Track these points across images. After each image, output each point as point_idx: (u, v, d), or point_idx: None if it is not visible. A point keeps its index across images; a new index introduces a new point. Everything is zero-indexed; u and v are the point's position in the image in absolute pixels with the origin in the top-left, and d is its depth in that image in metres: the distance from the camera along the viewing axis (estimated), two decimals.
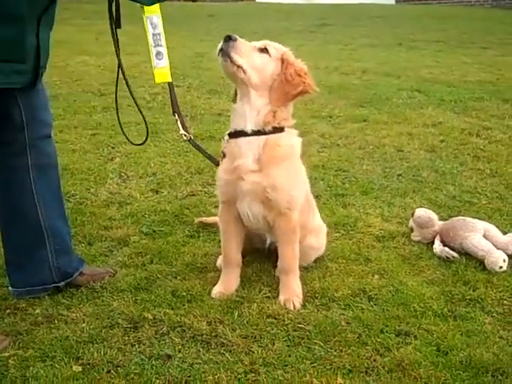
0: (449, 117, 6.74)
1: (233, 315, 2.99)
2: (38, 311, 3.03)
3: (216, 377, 2.58)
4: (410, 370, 2.62)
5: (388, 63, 9.99)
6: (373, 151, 5.64)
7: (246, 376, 2.59)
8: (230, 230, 3.24)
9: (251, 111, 3.02)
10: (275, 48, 3.05)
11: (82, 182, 4.63)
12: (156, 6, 3.03)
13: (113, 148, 5.37)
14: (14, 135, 2.90)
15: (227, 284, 3.23)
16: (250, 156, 3.03)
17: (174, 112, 3.20)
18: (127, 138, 3.32)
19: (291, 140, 3.14)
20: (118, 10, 3.00)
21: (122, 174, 4.86)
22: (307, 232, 3.39)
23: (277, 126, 3.05)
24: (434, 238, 3.75)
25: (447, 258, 3.58)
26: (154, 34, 3.04)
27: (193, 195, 4.51)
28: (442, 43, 12.60)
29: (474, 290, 3.26)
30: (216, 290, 3.19)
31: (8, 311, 2.94)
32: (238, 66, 2.95)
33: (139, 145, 3.43)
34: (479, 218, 3.92)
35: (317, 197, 4.47)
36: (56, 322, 2.94)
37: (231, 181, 3.08)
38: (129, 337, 2.82)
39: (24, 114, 2.86)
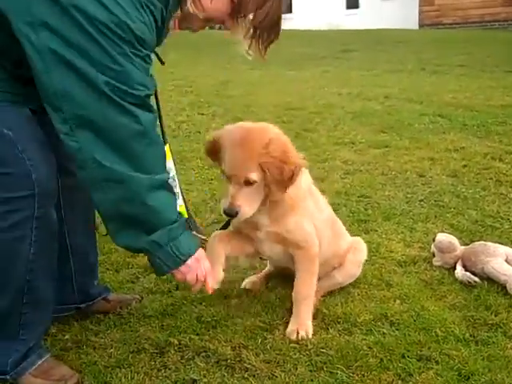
0: (471, 141, 6.77)
1: (256, 340, 3.05)
2: (67, 337, 3.12)
3: None
4: None
5: (411, 88, 10.07)
6: (395, 177, 5.69)
7: None
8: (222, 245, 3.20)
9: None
10: (254, 167, 2.85)
11: None
12: (167, 150, 3.06)
13: None
14: None
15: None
16: (261, 216, 3.08)
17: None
18: None
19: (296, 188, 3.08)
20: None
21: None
22: (342, 256, 3.54)
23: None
24: (456, 263, 3.78)
25: (469, 282, 3.61)
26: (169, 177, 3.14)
27: (217, 222, 4.58)
28: (465, 67, 12.65)
29: (496, 315, 3.28)
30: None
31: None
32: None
33: None
34: (501, 243, 3.95)
35: None
36: (85, 347, 3.03)
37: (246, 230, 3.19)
38: (155, 362, 2.89)
39: None
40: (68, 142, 2.46)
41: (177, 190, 3.09)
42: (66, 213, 3.01)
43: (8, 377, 2.71)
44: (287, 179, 2.90)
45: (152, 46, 2.59)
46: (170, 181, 3.03)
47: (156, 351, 2.98)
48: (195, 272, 2.78)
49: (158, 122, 3.06)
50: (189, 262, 2.73)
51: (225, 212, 2.91)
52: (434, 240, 3.93)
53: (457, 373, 2.81)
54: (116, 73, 2.39)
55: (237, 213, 2.89)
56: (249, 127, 2.98)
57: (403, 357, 2.93)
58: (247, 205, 2.90)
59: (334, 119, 7.99)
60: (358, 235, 4.29)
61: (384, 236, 4.35)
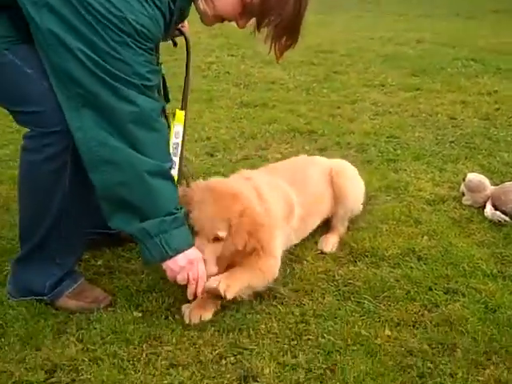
0: (505, 85, 6.66)
1: (285, 271, 3.09)
2: (100, 263, 3.20)
3: (268, 326, 2.70)
4: (458, 325, 2.69)
5: (444, 33, 9.88)
6: (425, 119, 5.64)
7: (296, 326, 2.70)
8: None
9: None
10: (222, 225, 2.78)
11: None
12: (181, 116, 3.06)
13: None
14: None
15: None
16: None
17: None
18: None
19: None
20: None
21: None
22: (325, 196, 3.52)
23: None
24: (485, 203, 3.77)
25: (498, 221, 3.61)
26: (174, 143, 3.05)
27: (246, 159, 4.61)
28: (499, 13, 12.35)
29: None
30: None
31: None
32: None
33: None
34: None
35: (368, 162, 4.56)
36: (117, 272, 3.11)
37: None
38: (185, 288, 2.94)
39: None
40: (70, 120, 2.50)
41: (175, 159, 3.05)
42: None
43: (46, 298, 2.80)
44: (246, 254, 2.82)
45: (157, 38, 2.61)
46: (175, 147, 3.05)
47: None
48: (186, 272, 2.69)
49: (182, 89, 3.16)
50: (178, 258, 2.67)
51: None
52: (464, 179, 3.91)
53: (483, 306, 2.83)
54: (114, 60, 2.43)
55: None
56: (223, 189, 2.88)
57: (430, 289, 2.96)
58: (213, 262, 2.79)
59: (364, 62, 7.89)
60: (387, 174, 4.32)
61: (413, 175, 4.33)
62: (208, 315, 2.75)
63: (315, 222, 3.45)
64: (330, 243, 3.37)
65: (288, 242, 3.20)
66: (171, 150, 3.01)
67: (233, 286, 2.73)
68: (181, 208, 2.71)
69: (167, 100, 3.11)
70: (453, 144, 4.97)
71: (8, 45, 2.53)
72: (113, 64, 2.43)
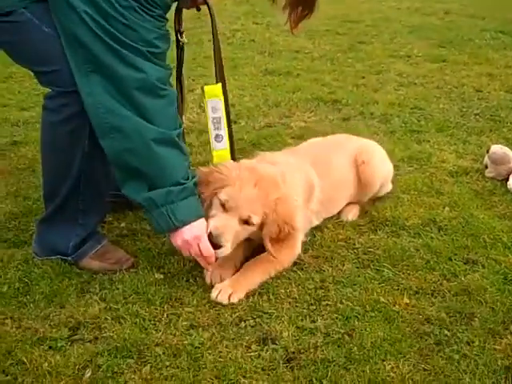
0: None
1: (306, 238, 3.11)
2: (123, 225, 3.25)
3: (288, 291, 2.73)
4: (476, 294, 2.70)
5: (472, 4, 9.71)
6: (450, 91, 5.59)
7: (316, 291, 2.73)
8: None
9: None
10: (258, 211, 2.74)
11: None
12: (218, 90, 3.01)
13: (193, 80, 5.48)
14: None
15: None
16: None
17: None
18: None
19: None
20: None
21: (202, 105, 4.98)
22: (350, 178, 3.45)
23: None
24: (509, 175, 3.75)
25: None
26: (213, 118, 3.01)
27: (270, 126, 4.62)
28: None
29: None
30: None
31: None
32: None
33: None
34: None
35: (391, 132, 4.55)
36: (139, 235, 3.16)
37: None
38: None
39: None
40: (80, 85, 2.52)
41: (221, 131, 3.05)
42: None
43: (70, 258, 2.86)
44: (282, 239, 2.80)
45: (166, 4, 2.60)
46: (216, 121, 3.04)
47: None
48: (187, 249, 2.71)
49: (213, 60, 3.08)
50: (184, 230, 2.67)
51: (210, 235, 2.69)
52: (487, 151, 3.89)
53: (502, 277, 2.84)
54: (120, 25, 2.45)
55: (219, 246, 2.70)
56: (263, 174, 2.83)
57: (450, 259, 2.97)
58: (231, 244, 2.73)
59: (390, 33, 7.81)
60: (410, 145, 4.31)
61: (436, 147, 4.31)
62: (228, 275, 2.78)
63: (337, 206, 3.38)
64: (351, 212, 3.38)
65: (308, 224, 3.16)
66: (211, 126, 3.02)
67: (239, 291, 2.69)
68: (193, 177, 2.72)
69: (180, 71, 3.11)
70: (478, 116, 4.93)
71: (25, 3, 2.55)
72: (119, 29, 2.45)
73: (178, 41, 3.01)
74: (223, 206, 2.74)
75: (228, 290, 2.67)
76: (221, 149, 3.04)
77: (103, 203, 2.97)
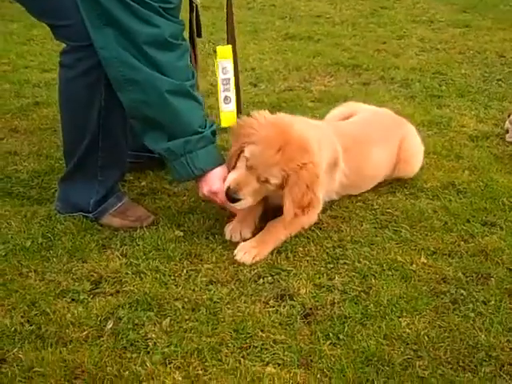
0: None
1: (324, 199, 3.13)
2: (143, 184, 3.29)
3: (306, 249, 2.76)
4: (493, 255, 2.72)
5: None
6: (473, 56, 5.53)
7: (334, 250, 2.76)
8: None
9: None
10: (278, 173, 2.70)
11: None
12: (228, 51, 3.00)
13: (213, 44, 5.47)
14: None
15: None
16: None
17: None
18: None
19: None
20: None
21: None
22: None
23: None
24: None
25: None
26: (223, 79, 3.01)
27: (290, 90, 4.62)
28: None
29: None
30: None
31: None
32: None
33: None
34: None
35: (412, 97, 4.53)
36: (160, 194, 3.20)
37: None
38: (225, 210, 3.01)
39: None
40: (95, 39, 2.54)
41: (230, 93, 3.05)
42: None
43: (91, 215, 2.90)
44: (303, 206, 2.75)
45: None
46: (226, 82, 3.04)
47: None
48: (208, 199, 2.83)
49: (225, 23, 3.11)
50: (202, 184, 2.76)
51: (228, 189, 2.72)
52: (508, 116, 3.87)
53: None
54: None
55: (237, 200, 2.72)
56: (293, 136, 2.75)
57: (468, 221, 2.98)
58: (250, 198, 2.74)
59: None
60: (430, 110, 4.29)
61: (457, 111, 4.29)
62: (248, 232, 2.83)
63: (364, 186, 3.29)
64: None
65: (327, 196, 3.10)
66: (221, 87, 3.03)
67: (262, 252, 2.72)
68: (210, 126, 2.75)
69: (199, 35, 3.13)
70: (500, 82, 4.89)
71: None
72: None
73: (191, 2, 3.02)
74: (247, 165, 2.75)
75: (253, 251, 2.70)
76: (228, 110, 3.06)
77: (122, 160, 3.00)
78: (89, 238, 2.79)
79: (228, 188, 2.71)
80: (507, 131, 3.89)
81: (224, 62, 3.04)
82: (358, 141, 3.18)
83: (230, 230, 2.82)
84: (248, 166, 2.73)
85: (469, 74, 5.06)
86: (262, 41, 5.85)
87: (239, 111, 3.12)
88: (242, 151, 2.77)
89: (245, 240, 2.79)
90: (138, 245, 2.75)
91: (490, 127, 4.04)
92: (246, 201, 2.74)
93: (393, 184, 3.31)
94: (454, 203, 3.13)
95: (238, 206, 2.75)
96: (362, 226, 2.95)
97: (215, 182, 2.76)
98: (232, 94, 3.06)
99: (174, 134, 2.68)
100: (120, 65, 2.56)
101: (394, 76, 4.99)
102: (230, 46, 3.04)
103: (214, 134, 2.78)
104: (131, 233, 2.83)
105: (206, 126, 2.74)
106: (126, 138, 2.92)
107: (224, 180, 2.76)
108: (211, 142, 2.75)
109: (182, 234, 2.84)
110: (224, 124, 3.06)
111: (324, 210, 3.03)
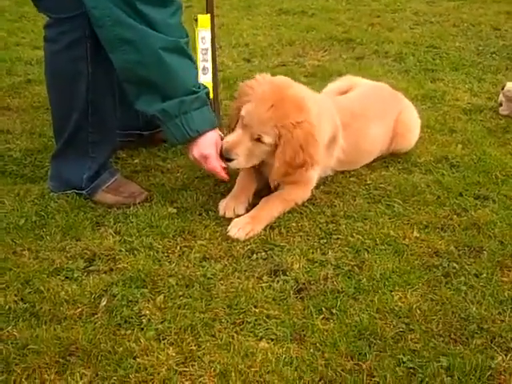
0: None
1: None
2: (136, 161, 3.29)
3: (299, 224, 2.77)
4: (486, 229, 2.73)
5: None
6: (467, 29, 5.52)
7: (327, 225, 2.76)
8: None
9: None
10: (271, 131, 2.70)
11: None
12: (207, 21, 2.97)
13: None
14: None
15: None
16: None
17: None
18: None
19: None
20: None
21: (216, 44, 4.97)
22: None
23: None
24: None
25: None
26: (202, 49, 2.99)
27: (283, 65, 4.60)
28: None
29: None
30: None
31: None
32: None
33: None
34: None
35: (405, 71, 4.51)
36: (153, 171, 3.20)
37: None
38: (219, 187, 3.03)
39: None
40: None
41: (207, 64, 3.03)
42: None
43: (84, 192, 2.90)
44: (295, 166, 2.73)
45: None
46: (204, 52, 3.01)
47: None
48: (199, 164, 2.80)
49: None
50: (193, 148, 2.72)
51: (221, 149, 2.74)
52: (502, 88, 3.85)
53: None
54: None
55: (231, 160, 2.73)
56: (288, 94, 2.75)
57: (460, 195, 2.99)
58: (244, 158, 2.74)
59: None
60: (424, 83, 4.28)
61: (451, 85, 4.29)
62: (241, 208, 2.83)
63: (360, 161, 3.29)
64: None
65: (323, 172, 3.12)
66: (200, 56, 3.01)
67: (256, 228, 2.72)
68: (204, 87, 2.73)
69: None
70: (494, 55, 4.88)
71: None
72: None
73: None
74: (242, 124, 2.76)
75: (247, 227, 2.70)
76: (206, 81, 3.04)
77: (112, 135, 2.99)
78: (82, 215, 2.79)
79: (221, 148, 2.72)
80: (500, 104, 3.88)
81: (203, 31, 3.02)
82: (357, 116, 3.17)
83: (224, 207, 2.83)
84: (243, 125, 2.73)
85: (463, 48, 5.05)
86: (255, 16, 5.82)
87: (214, 82, 3.09)
88: (239, 111, 2.77)
89: (238, 216, 2.79)
90: (132, 222, 2.76)
91: (483, 101, 4.04)
92: (239, 161, 2.75)
93: (386, 159, 3.32)
94: (447, 177, 3.14)
95: (231, 165, 2.75)
96: (355, 200, 2.95)
97: (207, 146, 2.74)
98: (209, 65, 3.04)
99: (168, 95, 2.64)
100: (112, 24, 2.52)
101: (387, 50, 4.98)
102: (209, 15, 3.02)
103: (207, 95, 2.75)
104: (124, 210, 2.84)
105: (200, 87, 2.71)
106: (115, 113, 2.92)
107: (216, 145, 2.75)
108: (205, 103, 2.72)
109: (175, 210, 2.84)
110: None
111: (317, 186, 3.03)
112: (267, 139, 2.71)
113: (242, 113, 2.74)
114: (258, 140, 2.73)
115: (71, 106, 2.79)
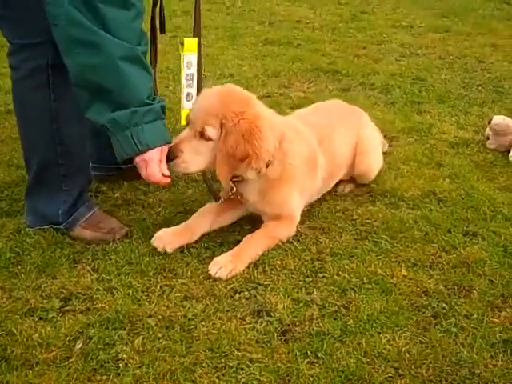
0: None
1: (303, 208, 3.06)
2: (117, 195, 3.20)
3: (284, 262, 2.68)
4: (475, 267, 2.66)
5: None
6: (453, 61, 5.51)
7: (312, 263, 2.68)
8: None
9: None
10: (214, 122, 2.63)
11: (161, 81, 4.73)
12: (194, 45, 2.90)
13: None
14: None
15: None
16: (248, 189, 2.84)
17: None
18: None
19: (283, 166, 2.82)
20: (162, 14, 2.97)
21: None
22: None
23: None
24: (511, 147, 3.68)
25: None
26: (187, 74, 2.91)
27: (268, 96, 4.54)
28: None
29: None
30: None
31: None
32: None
33: None
34: None
35: (392, 103, 4.48)
36: (134, 205, 3.11)
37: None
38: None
39: None
40: None
41: (192, 90, 2.96)
42: None
43: (61, 227, 2.80)
44: (237, 159, 2.63)
45: None
46: (189, 78, 2.95)
47: None
48: (141, 171, 2.63)
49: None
50: (146, 156, 2.56)
51: (168, 151, 2.63)
52: (489, 122, 3.81)
53: (502, 249, 2.80)
54: None
55: (175, 157, 2.62)
56: (239, 90, 2.76)
57: (449, 231, 2.92)
58: (190, 156, 2.64)
59: (392, 2, 7.70)
60: (410, 116, 4.25)
61: (437, 118, 4.25)
62: (174, 246, 2.73)
63: (335, 181, 3.26)
64: (348, 185, 3.32)
65: (310, 198, 3.07)
66: (184, 82, 2.94)
67: (239, 267, 2.62)
68: (159, 101, 2.61)
69: (163, 31, 3.01)
70: (480, 87, 4.86)
71: None
72: None
73: None
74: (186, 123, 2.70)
75: (229, 266, 2.60)
76: (189, 108, 2.95)
77: (85, 167, 2.92)
78: (59, 252, 2.69)
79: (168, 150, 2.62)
80: (488, 138, 3.84)
81: (189, 55, 2.94)
82: (326, 129, 3.14)
83: (156, 238, 2.74)
84: (189, 124, 2.68)
85: (449, 80, 5.02)
86: (240, 46, 5.79)
87: None
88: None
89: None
90: (111, 259, 2.66)
91: (470, 134, 4.00)
92: (184, 158, 2.63)
93: (373, 193, 3.25)
94: (434, 213, 3.07)
95: (176, 167, 2.64)
96: (341, 237, 2.87)
97: (152, 153, 2.57)
98: (194, 91, 2.97)
99: (120, 104, 2.48)
100: (66, 23, 2.36)
101: (373, 82, 4.94)
102: (196, 39, 2.95)
103: (163, 109, 2.61)
104: (103, 246, 2.74)
105: (154, 100, 2.58)
106: (84, 143, 2.85)
107: (162, 151, 2.61)
108: (160, 117, 2.58)
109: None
110: (184, 122, 2.88)
111: (302, 221, 2.96)
112: (210, 131, 2.61)
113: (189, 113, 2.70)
114: (202, 135, 2.63)
115: (38, 136, 2.72)
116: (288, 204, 2.87)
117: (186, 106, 2.95)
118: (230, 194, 2.79)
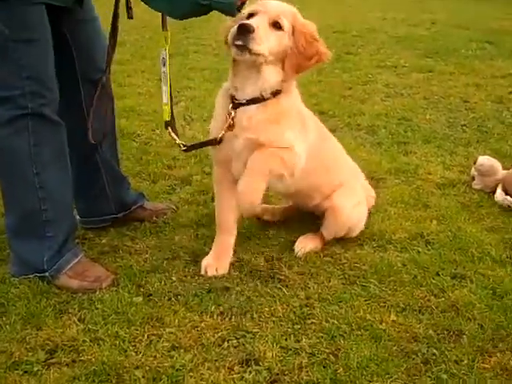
0: None
1: (290, 253, 3.06)
2: (104, 241, 3.17)
3: (272, 309, 2.66)
4: (464, 310, 2.64)
5: (457, 14, 9.77)
6: (437, 101, 5.58)
7: (301, 309, 2.65)
8: (224, 194, 2.99)
9: (259, 83, 2.77)
10: (286, 17, 2.69)
11: (147, 124, 4.76)
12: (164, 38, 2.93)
13: (178, 92, 5.45)
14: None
15: (220, 254, 2.97)
16: (243, 118, 2.80)
17: (166, 126, 3.02)
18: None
19: (287, 101, 2.86)
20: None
21: (187, 117, 4.96)
22: (324, 193, 3.17)
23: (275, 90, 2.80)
24: (496, 187, 3.71)
25: (509, 206, 3.55)
26: (163, 71, 2.95)
27: None
28: None
29: None
30: (205, 262, 2.94)
31: (77, 240, 3.06)
32: (258, 55, 2.65)
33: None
34: None
35: (378, 144, 4.50)
36: (121, 252, 3.08)
37: (225, 139, 2.85)
38: (189, 269, 2.92)
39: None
40: None
41: (165, 87, 2.98)
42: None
43: (47, 274, 2.77)
44: (308, 56, 2.73)
45: None
46: (163, 76, 2.97)
47: (190, 259, 3.01)
48: None
49: None
50: None
51: (240, 26, 2.56)
52: (474, 163, 3.84)
53: (491, 292, 2.78)
54: None
55: (253, 30, 2.55)
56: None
57: (437, 274, 2.91)
58: (265, 36, 2.61)
59: (377, 43, 7.82)
60: (397, 157, 4.26)
61: (423, 158, 4.28)
62: (223, 269, 2.91)
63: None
64: (310, 243, 3.15)
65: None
66: (162, 79, 2.98)
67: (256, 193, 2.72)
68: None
69: (130, 16, 2.91)
70: (465, 127, 4.91)
71: None
72: None
73: None
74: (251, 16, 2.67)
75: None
76: (164, 104, 2.99)
77: (68, 212, 2.91)
78: (45, 302, 2.66)
79: (239, 25, 2.57)
80: (473, 178, 3.87)
81: (162, 51, 2.94)
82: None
83: (206, 266, 2.91)
84: (255, 14, 2.66)
85: (434, 120, 5.08)
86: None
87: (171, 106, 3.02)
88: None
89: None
90: (97, 308, 2.62)
91: (456, 174, 4.03)
92: (260, 33, 2.58)
93: (361, 236, 3.24)
94: (422, 255, 3.07)
95: (251, 39, 2.57)
96: (329, 282, 2.86)
97: None
98: (166, 89, 2.99)
99: None
100: None
101: (360, 122, 4.98)
102: (168, 33, 2.95)
103: None
104: (90, 295, 2.70)
105: None
106: (68, 189, 2.85)
107: None
108: None
109: (140, 299, 2.70)
110: (165, 117, 2.99)
111: (290, 267, 2.95)
112: (285, 22, 2.68)
113: (249, 11, 2.69)
114: (274, 25, 2.67)
115: (18, 183, 2.71)
116: (285, 134, 2.81)
117: (165, 101, 3.00)
118: (230, 120, 2.80)
